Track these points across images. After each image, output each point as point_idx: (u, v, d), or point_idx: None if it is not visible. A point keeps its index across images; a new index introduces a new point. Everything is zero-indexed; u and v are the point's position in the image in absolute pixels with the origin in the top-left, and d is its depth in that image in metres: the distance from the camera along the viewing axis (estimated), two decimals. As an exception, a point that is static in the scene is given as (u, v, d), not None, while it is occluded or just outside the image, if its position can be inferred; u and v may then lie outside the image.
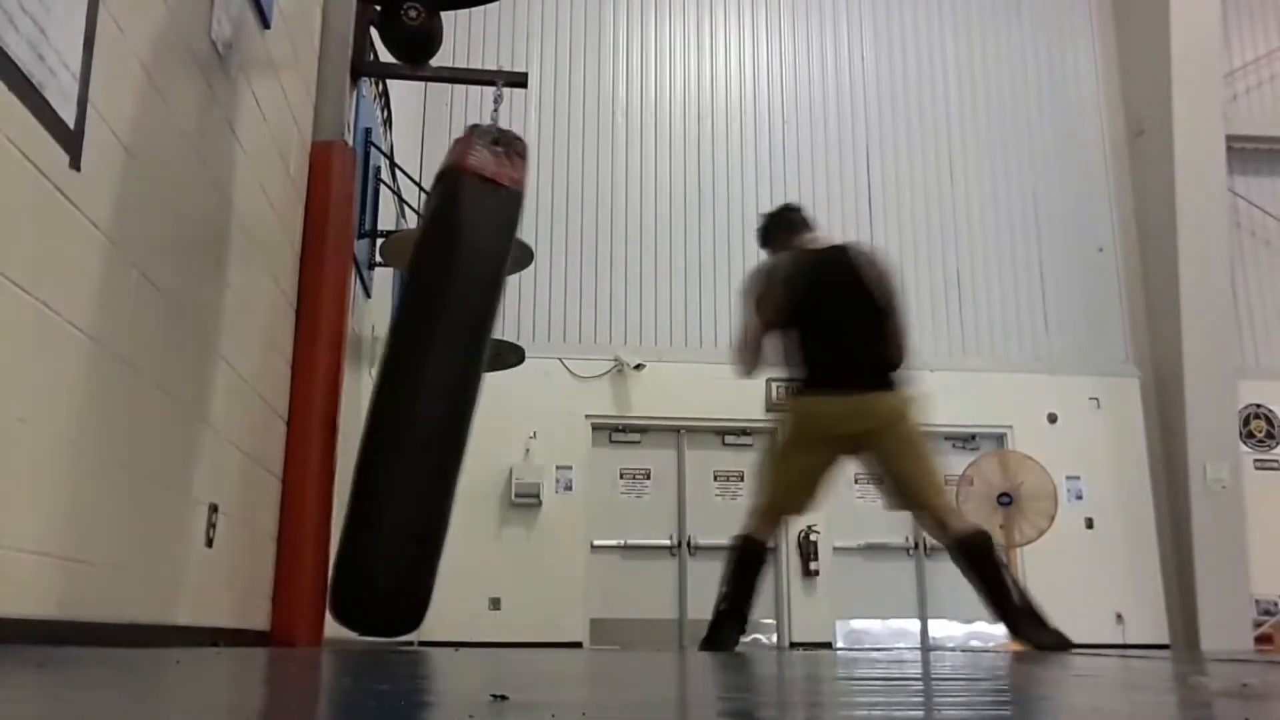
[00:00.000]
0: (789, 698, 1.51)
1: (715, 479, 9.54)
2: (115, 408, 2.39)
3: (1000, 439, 9.52)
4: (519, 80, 4.81)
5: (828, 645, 8.84)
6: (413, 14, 4.33)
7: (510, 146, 3.62)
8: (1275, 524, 9.47)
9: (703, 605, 9.22)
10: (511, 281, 4.20)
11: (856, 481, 8.98)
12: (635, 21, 10.49)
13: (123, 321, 2.41)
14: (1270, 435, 10.11)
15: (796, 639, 8.91)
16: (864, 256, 4.14)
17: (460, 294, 3.42)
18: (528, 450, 8.94)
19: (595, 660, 3.25)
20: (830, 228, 4.96)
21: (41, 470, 2.07)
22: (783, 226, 4.33)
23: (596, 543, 9.09)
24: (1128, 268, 10.40)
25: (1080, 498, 9.37)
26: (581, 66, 10.23)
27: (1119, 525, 9.45)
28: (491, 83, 4.53)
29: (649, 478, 9.49)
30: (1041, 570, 8.21)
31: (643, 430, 9.53)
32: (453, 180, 3.53)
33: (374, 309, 5.62)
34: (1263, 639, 9.19)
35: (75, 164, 2.12)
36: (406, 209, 6.65)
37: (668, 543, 9.34)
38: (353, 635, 3.49)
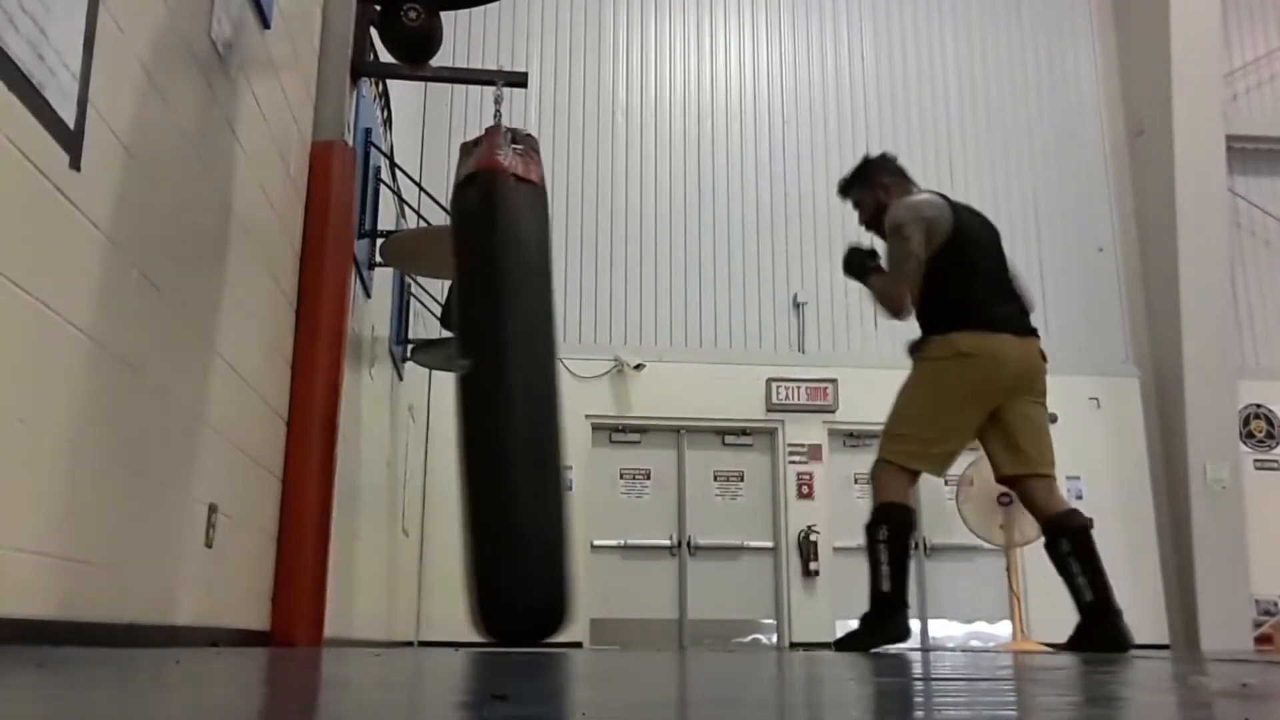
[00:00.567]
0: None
1: (715, 479, 9.54)
2: (115, 408, 2.39)
3: (1000, 439, 9.50)
4: (519, 80, 4.81)
5: (828, 645, 8.82)
6: (413, 14, 4.33)
7: (527, 144, 3.74)
8: (1275, 524, 9.48)
9: (703, 605, 9.34)
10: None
11: (856, 481, 9.00)
12: (635, 21, 10.49)
13: (123, 321, 2.41)
14: (1270, 435, 10.12)
15: (797, 639, 8.91)
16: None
17: (526, 289, 3.53)
18: (528, 450, 8.93)
19: (595, 660, 3.24)
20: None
21: (41, 470, 2.07)
22: (894, 172, 4.06)
23: (596, 543, 9.09)
24: (1128, 268, 10.40)
25: (1080, 498, 9.33)
26: (581, 66, 10.24)
27: (1119, 525, 9.43)
28: (491, 83, 4.54)
29: (649, 478, 9.49)
30: (1042, 570, 8.17)
31: (642, 430, 9.53)
32: (488, 180, 3.60)
33: (374, 309, 5.61)
34: (1262, 639, 9.19)
35: (75, 164, 2.12)
36: (406, 209, 6.64)
37: (668, 543, 9.35)
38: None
